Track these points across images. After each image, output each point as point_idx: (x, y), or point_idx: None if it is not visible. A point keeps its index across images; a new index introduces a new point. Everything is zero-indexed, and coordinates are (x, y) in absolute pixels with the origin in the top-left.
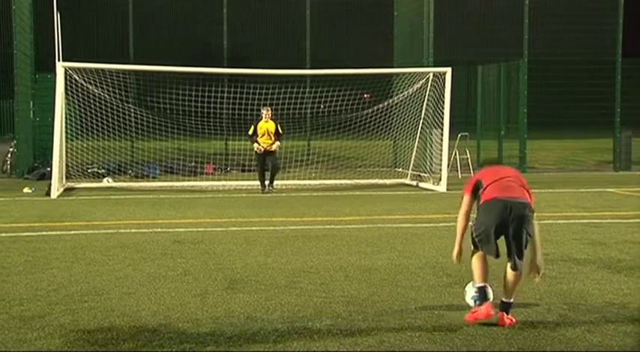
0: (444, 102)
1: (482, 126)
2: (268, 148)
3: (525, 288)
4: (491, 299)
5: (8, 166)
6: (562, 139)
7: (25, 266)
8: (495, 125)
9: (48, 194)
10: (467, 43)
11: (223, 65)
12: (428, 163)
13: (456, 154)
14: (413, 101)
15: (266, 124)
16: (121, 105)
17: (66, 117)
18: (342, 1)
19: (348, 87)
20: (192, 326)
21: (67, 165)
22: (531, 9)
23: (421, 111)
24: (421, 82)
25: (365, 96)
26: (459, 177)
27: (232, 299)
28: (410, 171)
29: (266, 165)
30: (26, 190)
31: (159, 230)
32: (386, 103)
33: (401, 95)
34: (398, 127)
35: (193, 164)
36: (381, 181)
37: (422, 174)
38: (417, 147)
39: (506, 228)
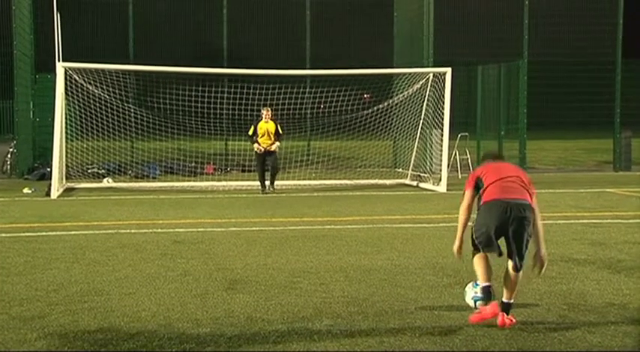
0: (443, 103)
1: (482, 126)
2: (268, 148)
3: (525, 289)
4: (495, 299)
5: (8, 166)
6: (562, 139)
7: (25, 267)
8: (495, 125)
9: (48, 194)
10: (467, 44)
11: (223, 65)
12: (428, 163)
13: (456, 154)
14: (413, 101)
15: (266, 125)
16: (121, 106)
17: (66, 118)
18: (342, 2)
19: (348, 87)
20: (192, 326)
21: (67, 165)
22: (531, 9)
23: (421, 111)
24: (421, 83)
25: (365, 96)
26: (459, 177)
27: (232, 299)
28: (410, 172)
29: (266, 166)
30: (26, 190)
31: (159, 230)
32: (386, 104)
33: (401, 95)
34: (398, 127)
35: (193, 164)
36: (381, 181)
37: (422, 175)
38: (417, 147)
39: (506, 229)
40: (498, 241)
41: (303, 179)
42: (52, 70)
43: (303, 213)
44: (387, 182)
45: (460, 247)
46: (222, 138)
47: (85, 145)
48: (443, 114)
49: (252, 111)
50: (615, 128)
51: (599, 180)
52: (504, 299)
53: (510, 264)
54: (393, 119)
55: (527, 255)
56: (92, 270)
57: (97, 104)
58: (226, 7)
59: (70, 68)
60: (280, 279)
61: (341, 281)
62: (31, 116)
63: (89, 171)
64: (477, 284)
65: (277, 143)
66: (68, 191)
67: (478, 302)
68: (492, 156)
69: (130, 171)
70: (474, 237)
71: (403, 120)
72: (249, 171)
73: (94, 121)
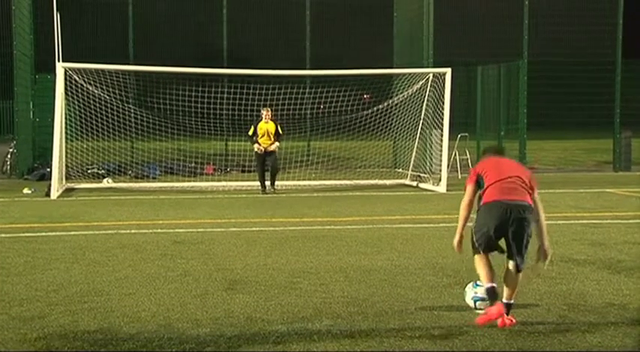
0: (443, 103)
1: (482, 126)
2: (267, 149)
3: (525, 289)
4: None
5: (8, 167)
6: (562, 140)
7: (24, 267)
8: (495, 125)
9: (48, 195)
10: (467, 44)
11: (223, 65)
12: (428, 164)
13: (455, 155)
14: (413, 102)
15: (266, 125)
16: (120, 106)
17: (66, 118)
18: (342, 2)
19: (348, 87)
20: (192, 326)
21: (66, 165)
22: (531, 9)
23: (421, 111)
24: (421, 83)
25: (365, 96)
26: (459, 177)
27: (232, 299)
28: (410, 172)
29: (266, 166)
30: (26, 191)
31: (159, 230)
32: (386, 104)
33: (401, 96)
34: (398, 128)
35: (193, 164)
36: (380, 182)
37: (422, 175)
38: (417, 147)
39: (505, 230)
40: (499, 241)
41: (303, 179)
42: (52, 70)
43: (303, 213)
44: (387, 182)
45: (460, 242)
46: (222, 139)
47: (84, 145)
48: (443, 114)
49: (252, 111)
50: (615, 128)
51: (599, 181)
52: (504, 300)
53: (511, 264)
54: (392, 119)
55: (527, 256)
56: (92, 271)
57: (97, 104)
58: (226, 7)
59: (69, 68)
60: (280, 280)
61: (341, 281)
62: (31, 116)
63: (89, 171)
64: (477, 285)
65: (277, 143)
66: (68, 191)
67: (478, 303)
68: (494, 150)
69: (129, 172)
70: (474, 239)
71: (403, 120)
72: (249, 171)
73: (94, 121)
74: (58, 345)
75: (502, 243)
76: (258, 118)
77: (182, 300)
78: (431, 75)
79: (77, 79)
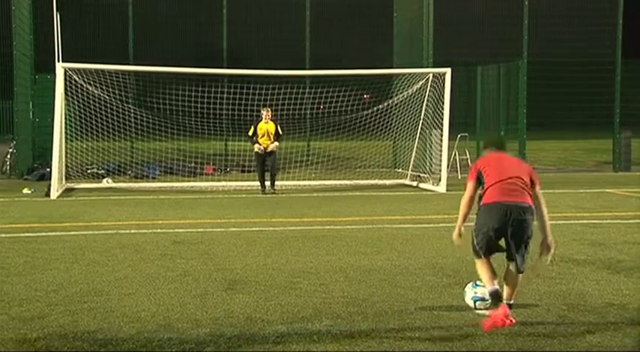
0: (443, 103)
1: (482, 126)
2: (267, 149)
3: (525, 289)
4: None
5: (8, 167)
6: (561, 140)
7: (24, 267)
8: (495, 126)
9: (47, 195)
10: (466, 44)
11: (223, 66)
12: (427, 164)
13: (455, 155)
14: (412, 102)
15: (266, 125)
16: (120, 106)
17: (65, 118)
18: (342, 2)
19: (347, 87)
20: (192, 326)
21: (66, 165)
22: (531, 10)
23: (421, 111)
24: (421, 83)
25: (365, 96)
26: (459, 177)
27: (232, 299)
28: (410, 172)
29: (266, 166)
30: (26, 191)
31: (158, 231)
32: (385, 104)
33: (400, 96)
34: (398, 128)
35: (193, 165)
36: (380, 182)
37: (421, 175)
38: (417, 147)
39: (505, 231)
40: (499, 241)
41: (303, 179)
42: (52, 71)
43: (302, 213)
44: (387, 182)
45: (459, 234)
46: (222, 139)
47: (84, 145)
48: (442, 114)
49: (252, 111)
50: (615, 128)
51: (598, 181)
52: (504, 300)
53: (511, 265)
54: (392, 119)
55: (527, 257)
56: (92, 271)
57: (97, 104)
58: (226, 7)
59: (69, 68)
60: (280, 280)
61: (341, 281)
62: (31, 116)
63: (89, 171)
64: (476, 285)
65: (276, 143)
66: (68, 191)
67: (478, 302)
68: (496, 144)
69: (129, 172)
70: (474, 242)
71: (403, 120)
72: (249, 171)
73: (94, 122)
74: (57, 345)
75: (502, 242)
76: (258, 118)
77: (182, 300)
78: (431, 75)
79: (77, 79)
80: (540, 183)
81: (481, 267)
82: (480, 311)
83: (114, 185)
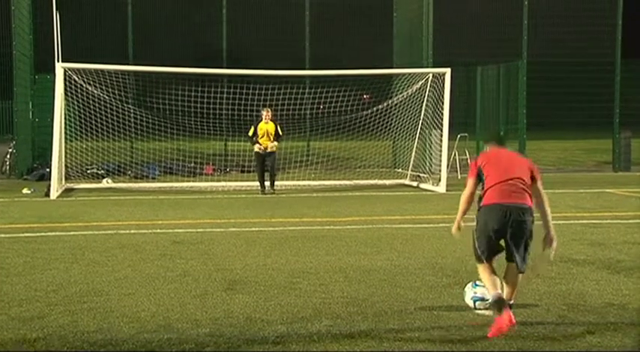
0: (443, 103)
1: (482, 126)
2: (267, 149)
3: (525, 289)
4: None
5: (7, 167)
6: (561, 140)
7: (24, 267)
8: (495, 126)
9: (47, 195)
10: (466, 44)
11: (223, 66)
12: (427, 164)
13: (455, 155)
14: (412, 102)
15: (266, 125)
16: (120, 106)
17: (65, 118)
18: (341, 2)
19: (347, 87)
20: (192, 327)
21: (66, 165)
22: (530, 10)
23: (420, 111)
24: (420, 83)
25: (364, 96)
26: (459, 177)
27: (232, 300)
28: (409, 172)
29: (266, 166)
30: (25, 191)
31: (158, 231)
32: (385, 104)
33: (400, 96)
34: (397, 128)
35: (193, 165)
36: (380, 182)
37: (421, 175)
38: (417, 147)
39: (505, 232)
40: (499, 242)
41: (303, 179)
42: (52, 71)
43: (302, 213)
44: (387, 182)
45: (458, 228)
46: (222, 139)
47: (84, 146)
48: (442, 114)
49: (252, 111)
50: (615, 128)
51: (598, 181)
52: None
53: (511, 265)
54: (392, 119)
55: (528, 257)
56: (91, 271)
57: (97, 104)
58: (226, 7)
59: (69, 68)
60: (280, 280)
61: (340, 281)
62: (31, 116)
63: (88, 171)
64: (476, 285)
65: (275, 142)
66: (67, 191)
67: (478, 302)
68: (497, 140)
69: (129, 172)
70: (476, 246)
71: (403, 120)
72: (249, 171)
73: (94, 122)
74: (57, 345)
75: (502, 242)
76: (258, 119)
77: (181, 300)
78: (430, 75)
79: (77, 79)
80: (541, 178)
81: (483, 273)
82: (479, 311)
83: (113, 185)
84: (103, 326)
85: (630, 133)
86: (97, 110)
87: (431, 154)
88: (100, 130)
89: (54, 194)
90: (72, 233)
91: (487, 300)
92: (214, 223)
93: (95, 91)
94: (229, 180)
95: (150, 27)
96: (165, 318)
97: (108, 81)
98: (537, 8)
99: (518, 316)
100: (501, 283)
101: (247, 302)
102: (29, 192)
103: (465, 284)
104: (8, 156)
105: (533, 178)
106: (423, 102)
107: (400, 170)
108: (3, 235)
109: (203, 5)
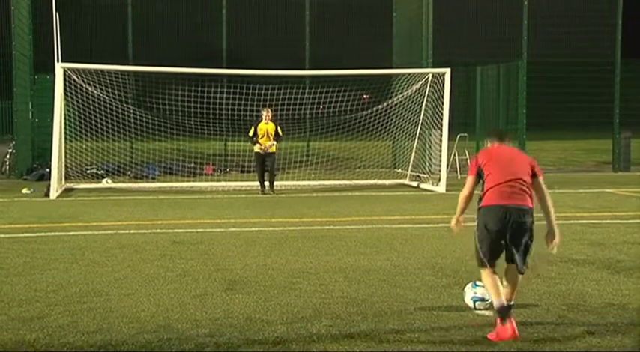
0: (443, 103)
1: (482, 126)
2: (267, 149)
3: (525, 289)
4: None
5: (7, 167)
6: (561, 140)
7: (24, 268)
8: (494, 126)
9: (47, 195)
10: (466, 44)
11: (222, 66)
12: (427, 164)
13: (455, 155)
14: (412, 102)
15: (266, 126)
16: (120, 106)
17: (65, 118)
18: (341, 2)
19: (347, 88)
20: (192, 327)
21: (66, 165)
22: (530, 10)
23: (420, 111)
24: (420, 83)
25: (364, 96)
26: (458, 178)
27: (231, 300)
28: (409, 172)
29: (266, 166)
30: (25, 191)
31: (158, 231)
32: (385, 104)
33: (400, 96)
34: (397, 128)
35: (193, 165)
36: (380, 182)
37: (421, 175)
38: (417, 147)
39: (505, 233)
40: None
41: (303, 179)
42: (51, 71)
43: (302, 213)
44: (387, 182)
45: (458, 222)
46: (222, 139)
47: (84, 146)
48: (442, 114)
49: (252, 111)
50: (614, 128)
51: (598, 181)
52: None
53: (512, 266)
54: (392, 119)
55: (529, 258)
56: (91, 271)
57: (96, 105)
58: (225, 7)
59: (69, 69)
60: (279, 280)
61: (340, 281)
62: (30, 117)
63: (88, 171)
64: (476, 285)
65: (274, 142)
66: (67, 191)
67: (477, 303)
68: (498, 136)
69: (129, 172)
70: (478, 248)
71: (402, 120)
72: (249, 171)
73: (93, 122)
74: (57, 346)
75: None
76: (258, 119)
77: (181, 301)
78: (430, 75)
79: (76, 79)
80: (543, 174)
81: (486, 278)
82: (479, 312)
83: (113, 185)
84: (103, 327)
85: (630, 133)
86: (97, 110)
87: (431, 154)
88: (99, 130)
89: (54, 194)
90: (72, 233)
91: (487, 300)
92: (214, 223)
93: (95, 91)
94: (229, 180)
95: (150, 27)
96: (165, 318)
97: (108, 81)
98: (537, 8)
99: (518, 316)
100: (501, 281)
101: (247, 303)
102: (29, 192)
103: (465, 285)
104: (8, 156)
105: (534, 175)
106: (422, 102)
107: (400, 170)
108: (3, 235)
109: (203, 5)
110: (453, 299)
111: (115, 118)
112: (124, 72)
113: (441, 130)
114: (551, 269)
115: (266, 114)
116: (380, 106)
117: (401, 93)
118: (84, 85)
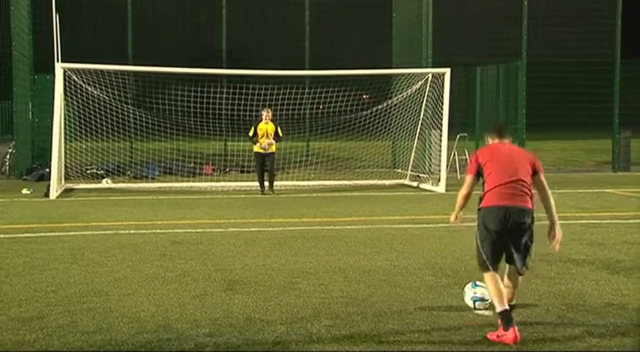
0: (442, 103)
1: (481, 127)
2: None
3: (524, 289)
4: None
5: (7, 167)
6: (561, 140)
7: (23, 268)
8: None
9: (47, 195)
10: (466, 44)
11: (222, 66)
12: (427, 164)
13: (454, 155)
14: (412, 102)
15: (266, 126)
16: (119, 106)
17: (65, 118)
18: (341, 2)
19: (347, 88)
20: (191, 327)
21: (65, 166)
22: (530, 10)
23: (420, 112)
24: (420, 83)
25: (364, 97)
26: (458, 178)
27: (231, 300)
28: (409, 172)
29: (265, 166)
30: (25, 191)
31: (158, 231)
32: (385, 104)
33: (400, 96)
34: (397, 128)
35: (192, 165)
36: (380, 182)
37: (421, 175)
38: (416, 147)
39: (505, 235)
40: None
41: (302, 179)
42: (51, 71)
43: (302, 213)
44: (386, 182)
45: (457, 217)
46: (222, 139)
47: (83, 146)
48: (442, 114)
49: (252, 111)
50: (614, 128)
51: (598, 181)
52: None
53: (512, 267)
54: (392, 119)
55: (529, 259)
56: (91, 271)
57: (96, 105)
58: (225, 7)
59: (68, 69)
60: (279, 280)
61: (340, 281)
62: (30, 117)
63: (88, 171)
64: (476, 285)
65: (273, 142)
66: (67, 192)
67: (477, 303)
68: (498, 132)
69: (129, 172)
70: (480, 251)
71: (402, 120)
72: (248, 171)
73: (93, 122)
74: (57, 346)
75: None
76: (258, 119)
77: (181, 301)
78: (430, 75)
79: (76, 79)
80: (544, 171)
81: (489, 284)
82: (479, 312)
83: (113, 185)
84: (103, 327)
85: (630, 133)
86: (97, 110)
87: (430, 154)
88: (99, 130)
89: (53, 194)
90: (71, 233)
91: (487, 300)
92: (214, 223)
93: (95, 91)
94: (229, 180)
95: (150, 27)
96: (165, 318)
97: (107, 81)
98: (537, 8)
99: (518, 316)
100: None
101: (247, 303)
102: (29, 192)
103: (465, 285)
104: (8, 156)
105: (535, 172)
106: (422, 102)
107: (400, 170)
108: (2, 235)
109: (203, 5)
110: (453, 299)
111: (114, 118)
112: (123, 72)
113: (441, 130)
114: (551, 269)
115: (266, 114)
116: (380, 106)
117: (401, 93)
118: (84, 85)
